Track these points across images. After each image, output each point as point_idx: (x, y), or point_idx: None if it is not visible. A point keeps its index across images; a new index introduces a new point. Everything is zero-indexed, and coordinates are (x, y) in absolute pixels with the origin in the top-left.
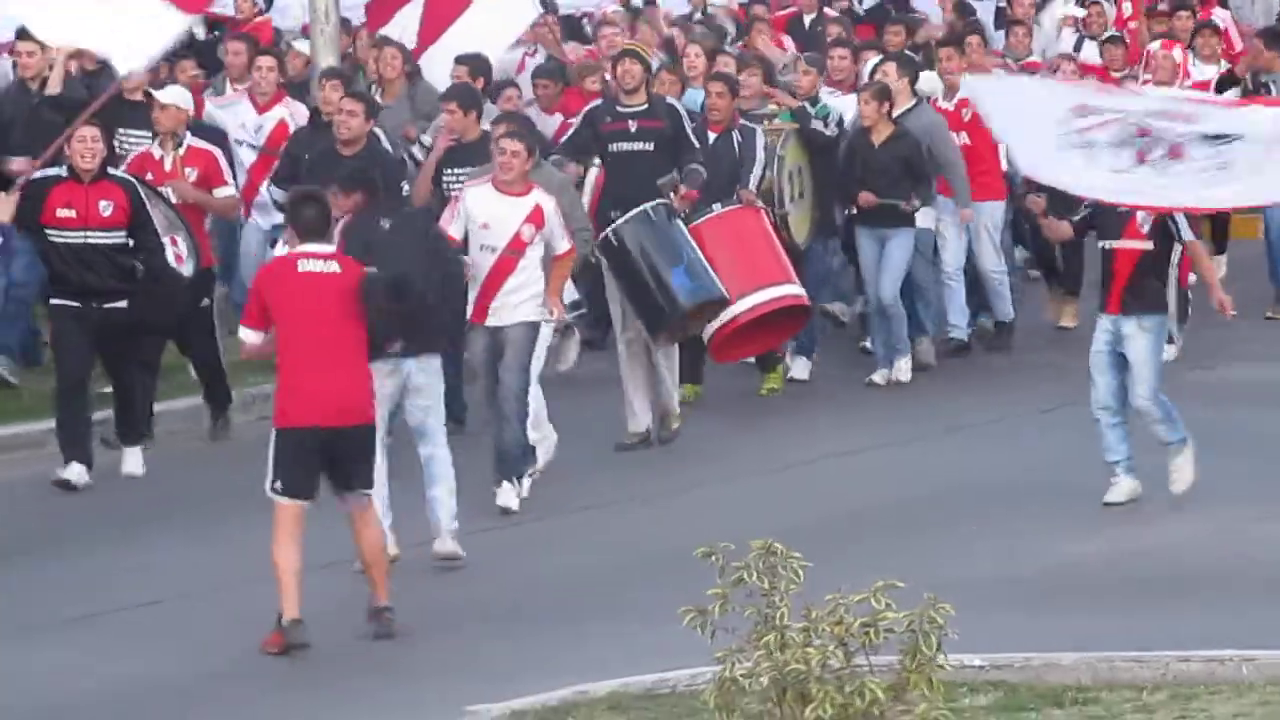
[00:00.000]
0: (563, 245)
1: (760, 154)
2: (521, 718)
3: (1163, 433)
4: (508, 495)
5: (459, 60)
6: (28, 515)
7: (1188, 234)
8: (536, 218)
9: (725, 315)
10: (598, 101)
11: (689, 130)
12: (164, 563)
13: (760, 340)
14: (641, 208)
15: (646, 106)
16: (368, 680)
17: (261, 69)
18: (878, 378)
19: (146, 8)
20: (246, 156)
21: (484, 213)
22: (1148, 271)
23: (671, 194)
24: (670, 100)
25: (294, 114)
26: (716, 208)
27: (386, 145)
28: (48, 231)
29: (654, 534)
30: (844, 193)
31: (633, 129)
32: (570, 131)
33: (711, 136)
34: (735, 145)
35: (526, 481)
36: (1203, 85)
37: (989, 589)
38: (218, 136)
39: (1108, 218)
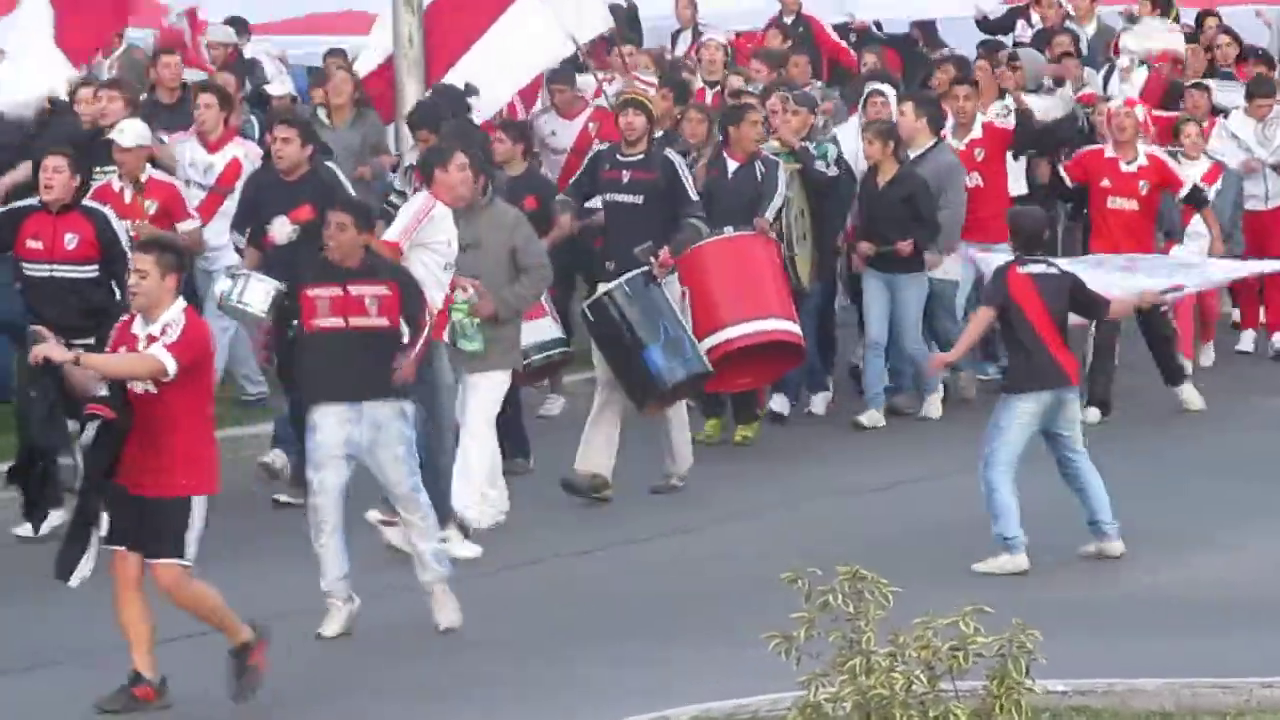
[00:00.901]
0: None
1: (781, 187)
2: None
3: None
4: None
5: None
6: None
7: None
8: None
9: (713, 340)
10: (604, 145)
11: (685, 182)
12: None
13: (749, 373)
14: (617, 282)
15: (642, 157)
16: (443, 702)
17: (201, 106)
18: (864, 419)
19: (39, 53)
20: (195, 196)
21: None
22: None
23: (651, 260)
24: (669, 153)
25: (248, 154)
26: (728, 230)
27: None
28: (20, 263)
29: (735, 558)
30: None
31: (625, 179)
32: (577, 174)
33: (732, 166)
34: (758, 176)
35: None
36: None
37: (1071, 614)
38: None
39: None
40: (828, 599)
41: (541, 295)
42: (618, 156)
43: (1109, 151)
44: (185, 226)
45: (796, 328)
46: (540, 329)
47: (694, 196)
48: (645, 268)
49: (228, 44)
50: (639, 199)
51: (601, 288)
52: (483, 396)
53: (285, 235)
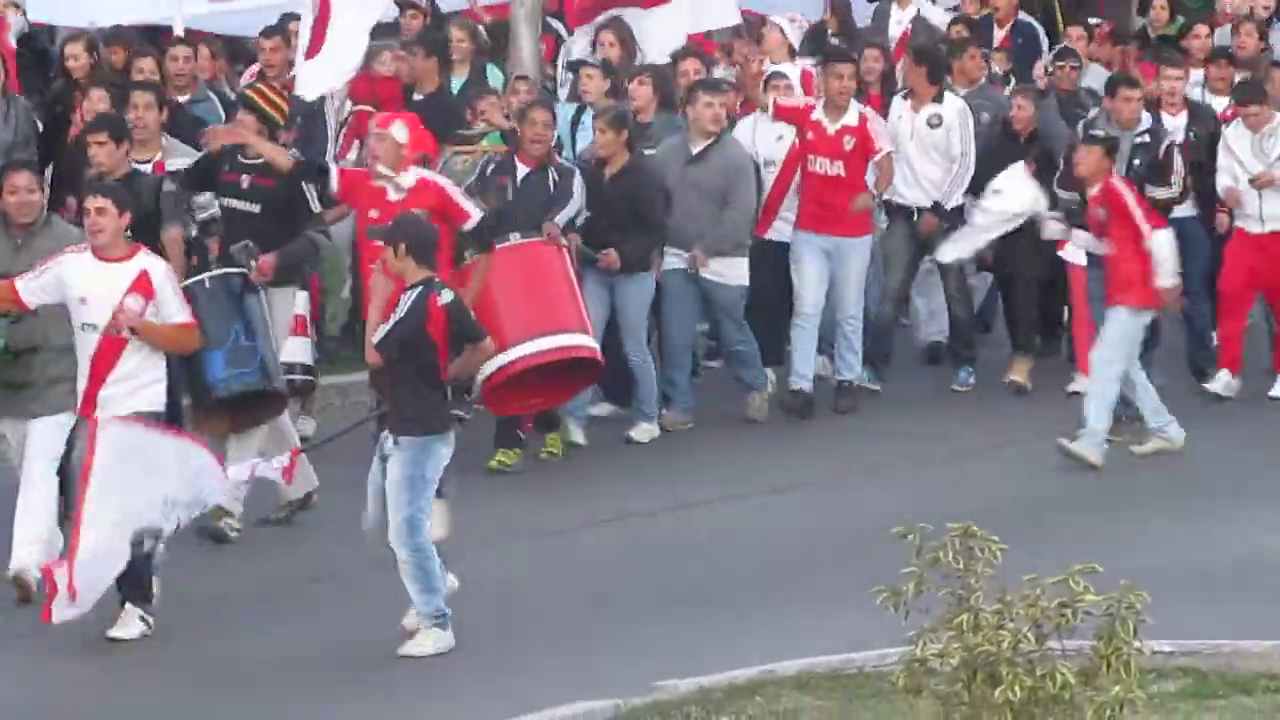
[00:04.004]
0: (179, 317)
1: (578, 194)
2: (709, 695)
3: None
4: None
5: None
6: None
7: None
8: (143, 286)
9: (499, 360)
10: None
11: (307, 191)
12: None
13: (544, 393)
14: (200, 277)
15: (262, 161)
16: (557, 658)
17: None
18: (634, 434)
19: None
20: None
21: (82, 285)
22: None
23: (252, 263)
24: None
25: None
26: (514, 238)
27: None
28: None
29: (838, 516)
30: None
31: (244, 185)
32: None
33: (522, 170)
34: (551, 183)
35: None
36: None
37: (1179, 577)
38: None
39: None
40: (938, 555)
41: None
42: (240, 158)
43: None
44: None
45: (591, 340)
46: (292, 348)
47: (315, 208)
48: (241, 269)
49: None
50: (255, 207)
51: (190, 280)
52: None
53: None
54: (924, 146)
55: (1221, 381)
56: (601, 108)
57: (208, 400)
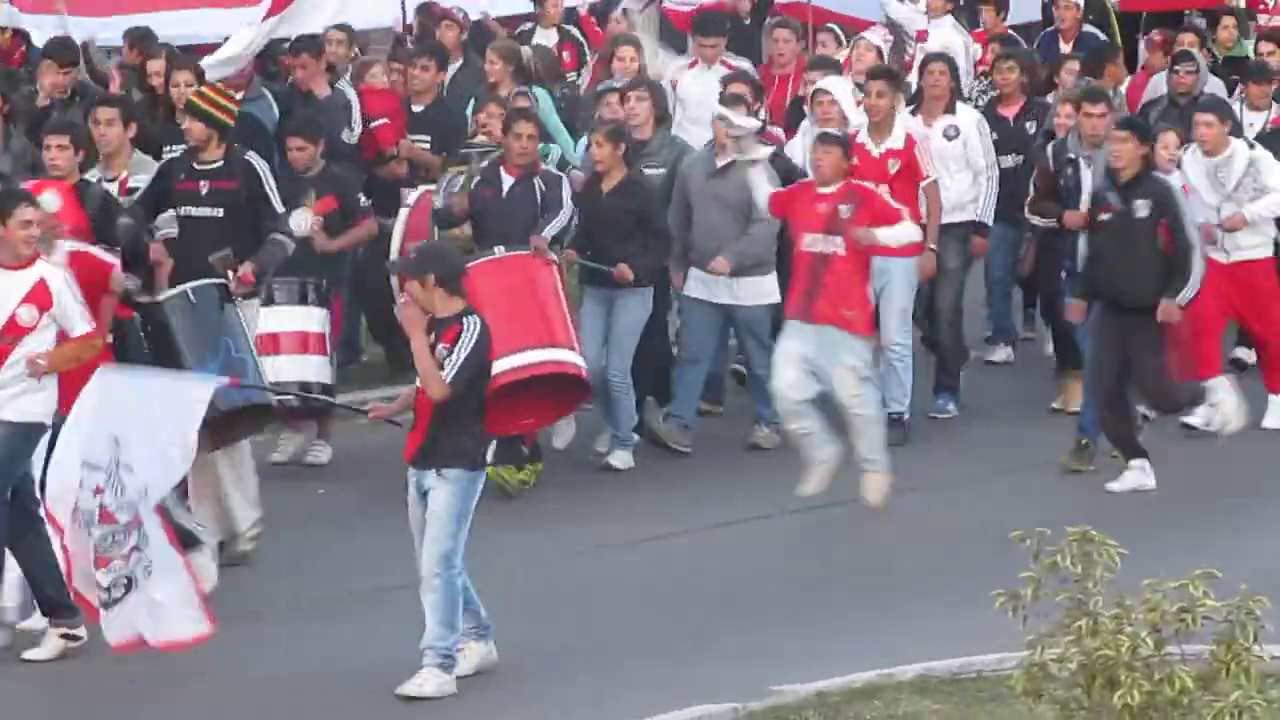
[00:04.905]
0: (80, 327)
1: (567, 203)
2: (827, 699)
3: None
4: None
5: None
6: None
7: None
8: (40, 296)
9: None
10: (174, 156)
11: (270, 191)
12: None
13: (529, 410)
14: (182, 288)
15: (221, 164)
16: (675, 663)
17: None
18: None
19: None
20: None
21: None
22: None
23: (230, 273)
24: (251, 158)
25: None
26: (499, 251)
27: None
28: None
29: (950, 520)
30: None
31: (204, 191)
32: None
33: (508, 181)
34: (537, 193)
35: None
36: None
37: None
38: None
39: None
40: (1055, 559)
41: None
42: (193, 165)
43: None
44: None
45: (577, 358)
46: (306, 366)
47: (279, 209)
48: (220, 279)
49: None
50: (218, 212)
51: (166, 293)
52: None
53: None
54: (944, 159)
55: (1203, 415)
56: (599, 122)
57: (211, 413)
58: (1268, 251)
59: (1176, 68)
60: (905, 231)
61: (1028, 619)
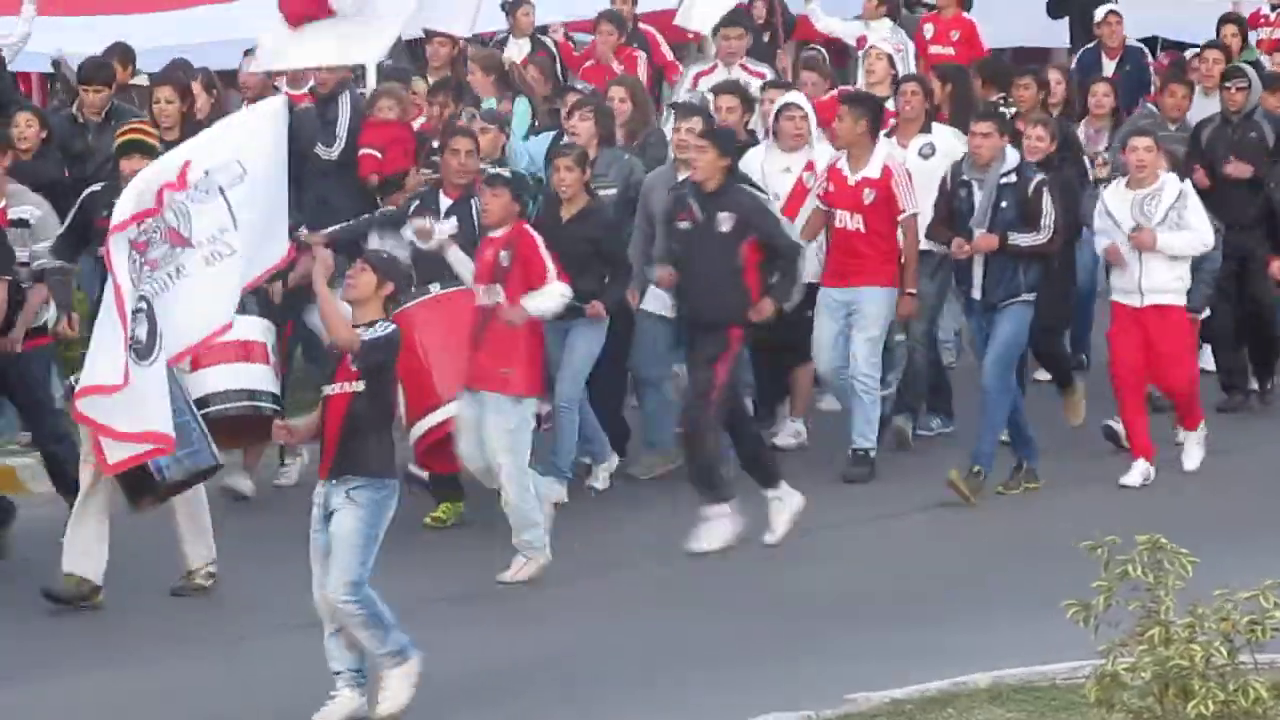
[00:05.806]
0: None
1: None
2: (901, 707)
3: None
4: None
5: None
6: None
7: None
8: None
9: (430, 421)
10: (94, 190)
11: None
12: None
13: None
14: None
15: None
16: (748, 669)
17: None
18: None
19: None
20: None
21: None
22: None
23: None
24: None
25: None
26: (434, 289)
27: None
28: None
29: (1025, 527)
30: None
31: None
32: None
33: (445, 204)
34: (474, 216)
35: None
36: None
37: None
38: None
39: None
40: (1126, 568)
41: None
42: (115, 201)
43: None
44: None
45: None
46: (257, 375)
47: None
48: None
49: None
50: None
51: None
52: None
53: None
54: (920, 179)
55: (1140, 471)
56: (564, 145)
57: (154, 489)
58: (1180, 300)
59: (1227, 84)
60: (551, 294)
61: (1100, 628)
